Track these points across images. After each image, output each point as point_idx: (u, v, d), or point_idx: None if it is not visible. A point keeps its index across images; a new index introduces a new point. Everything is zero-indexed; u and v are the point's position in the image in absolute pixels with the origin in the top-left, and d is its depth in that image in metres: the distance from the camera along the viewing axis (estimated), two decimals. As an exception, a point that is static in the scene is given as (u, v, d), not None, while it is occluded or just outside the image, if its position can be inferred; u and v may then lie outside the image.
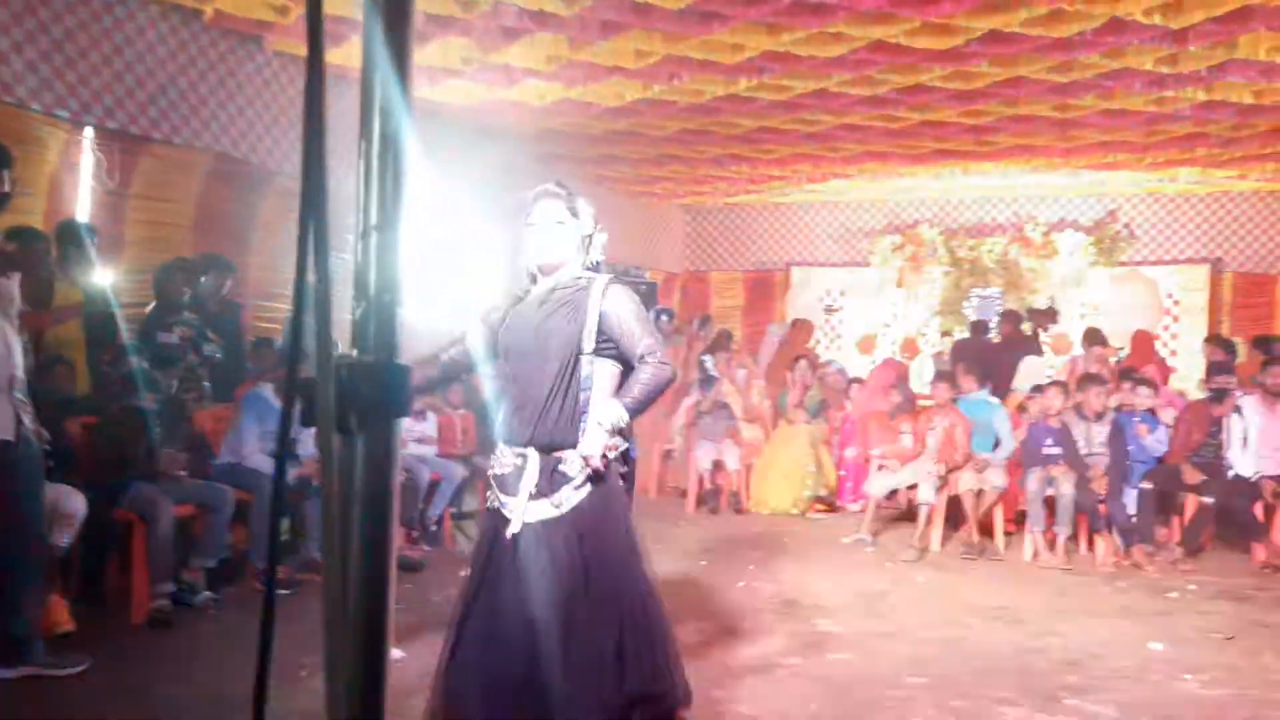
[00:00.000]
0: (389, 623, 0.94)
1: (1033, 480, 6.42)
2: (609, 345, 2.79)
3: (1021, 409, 7.29)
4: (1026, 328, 9.84)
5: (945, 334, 11.47)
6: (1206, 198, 11.16)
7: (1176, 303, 11.23)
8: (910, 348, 11.87)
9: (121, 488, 4.56)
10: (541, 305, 2.84)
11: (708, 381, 8.32)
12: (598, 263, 2.95)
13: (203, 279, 5.80)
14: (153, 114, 5.47)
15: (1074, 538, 6.47)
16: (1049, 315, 10.28)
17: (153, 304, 5.51)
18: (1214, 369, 7.20)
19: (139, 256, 5.90)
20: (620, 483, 2.85)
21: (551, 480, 2.74)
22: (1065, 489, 6.28)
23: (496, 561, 2.80)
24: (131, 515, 4.56)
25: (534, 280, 2.93)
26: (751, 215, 13.09)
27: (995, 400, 7.23)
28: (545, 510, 2.74)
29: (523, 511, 2.74)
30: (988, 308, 11.58)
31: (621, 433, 2.75)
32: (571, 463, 2.74)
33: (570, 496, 2.74)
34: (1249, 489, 6.15)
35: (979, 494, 6.62)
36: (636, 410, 2.76)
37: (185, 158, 6.02)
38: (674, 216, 12.91)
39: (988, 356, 8.67)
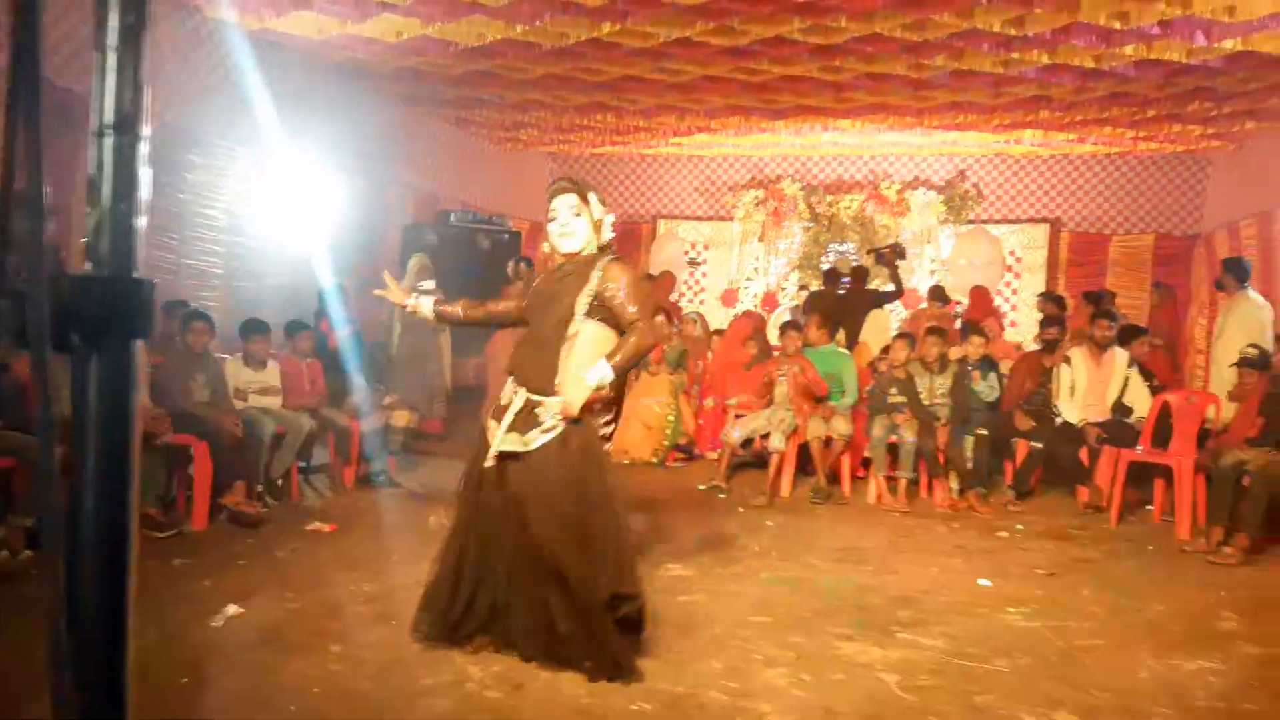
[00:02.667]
0: (130, 595, 0.78)
1: (877, 427, 6.65)
2: (601, 310, 3.36)
3: (872, 367, 7.51)
4: (878, 282, 10.13)
5: (803, 287, 11.75)
6: (1049, 160, 11.70)
7: (1018, 260, 11.79)
8: (770, 300, 12.11)
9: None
10: (556, 277, 3.48)
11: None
12: (608, 244, 3.54)
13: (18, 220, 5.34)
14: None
15: (915, 481, 6.75)
16: (896, 250, 10.58)
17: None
18: (1046, 322, 7.59)
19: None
20: (597, 435, 3.37)
21: (528, 420, 3.33)
22: (908, 436, 6.54)
23: (482, 480, 3.40)
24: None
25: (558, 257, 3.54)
26: (618, 166, 13.02)
27: (844, 351, 7.42)
28: (514, 443, 3.32)
29: (499, 440, 3.34)
30: (843, 261, 11.90)
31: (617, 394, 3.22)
32: (548, 408, 3.31)
33: (537, 438, 3.31)
34: (1075, 435, 6.52)
35: (827, 441, 6.82)
36: (621, 370, 3.34)
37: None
38: (539, 165, 12.71)
39: (839, 308, 8.90)
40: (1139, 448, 6.26)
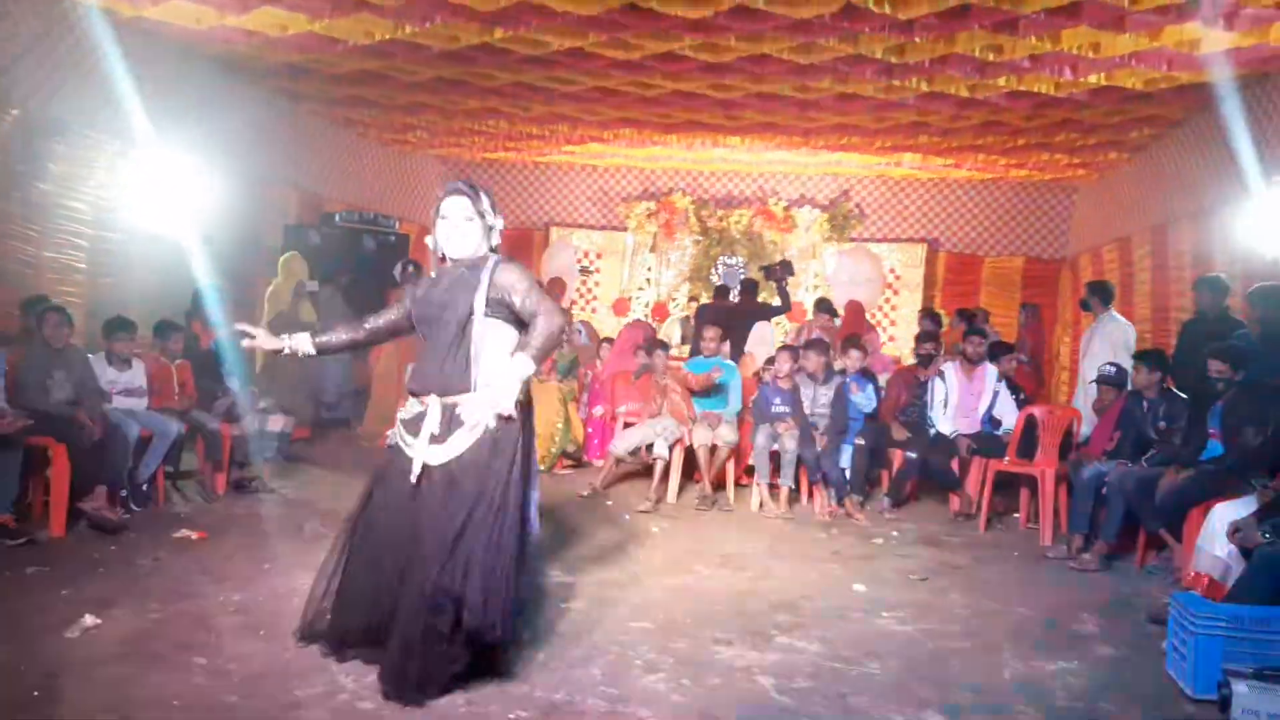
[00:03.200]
0: None
1: (760, 436, 6.77)
2: (502, 309, 3.34)
3: (758, 377, 7.65)
4: (765, 295, 10.33)
5: (693, 299, 11.89)
6: (927, 183, 12.16)
7: (898, 277, 12.21)
8: (660, 310, 12.21)
9: None
10: (446, 282, 3.42)
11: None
12: (496, 246, 3.50)
13: None
14: None
15: (796, 489, 6.89)
16: (785, 267, 10.83)
17: None
18: (922, 338, 7.86)
19: None
20: (515, 431, 3.32)
21: (450, 424, 3.28)
22: (789, 444, 6.68)
23: (393, 491, 3.36)
24: None
25: (443, 260, 3.49)
26: (511, 173, 12.95)
27: (729, 362, 7.54)
28: (438, 454, 3.27)
29: (424, 452, 3.29)
30: (733, 275, 12.12)
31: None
32: (467, 410, 3.27)
33: (463, 439, 3.26)
34: (947, 446, 6.76)
35: (712, 449, 6.91)
36: (539, 358, 3.25)
37: None
38: (429, 168, 12.52)
39: (727, 320, 9.02)
40: (1006, 458, 6.53)
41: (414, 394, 3.41)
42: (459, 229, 3.42)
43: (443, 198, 3.47)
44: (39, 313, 5.47)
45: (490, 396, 3.23)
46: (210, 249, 7.11)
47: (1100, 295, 7.74)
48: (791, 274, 10.02)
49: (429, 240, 3.51)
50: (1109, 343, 7.42)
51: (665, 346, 7.57)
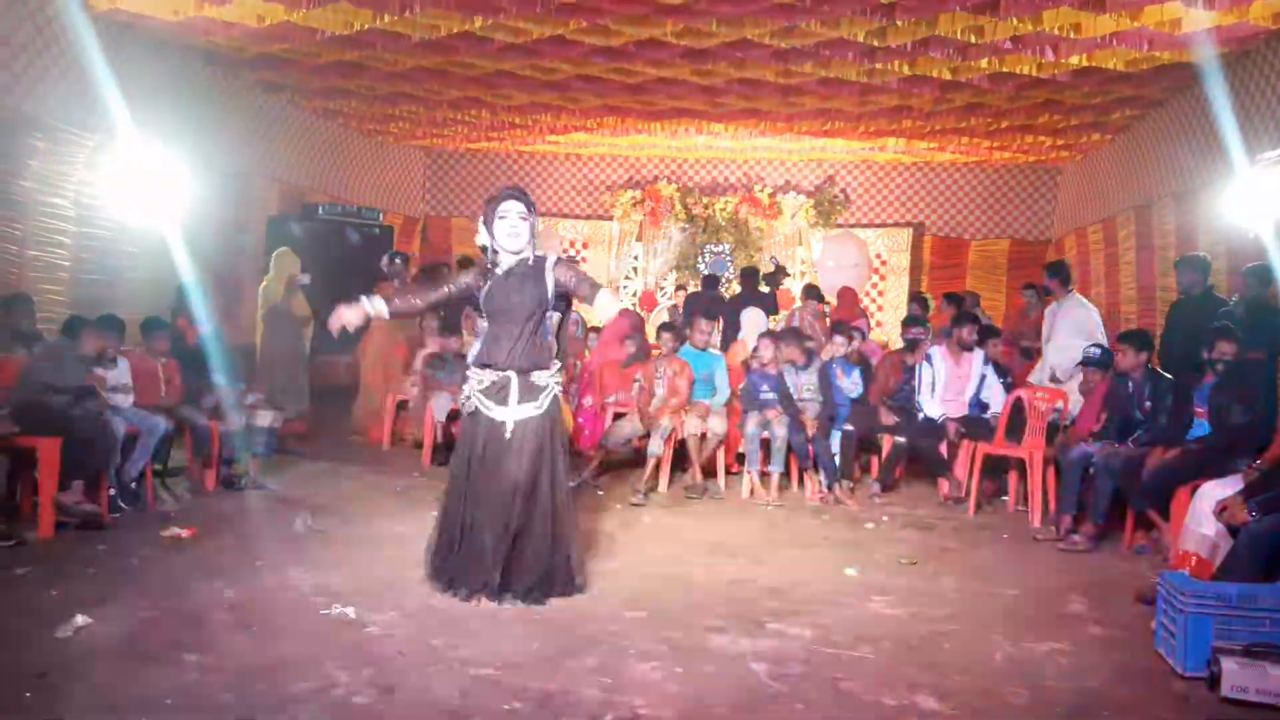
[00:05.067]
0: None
1: (750, 424, 6.78)
2: (561, 301, 4.32)
3: (745, 365, 7.66)
4: (764, 287, 10.35)
5: (680, 287, 11.89)
6: (911, 167, 12.19)
7: (884, 262, 12.25)
8: (648, 300, 12.21)
9: None
10: (510, 279, 4.25)
11: (446, 329, 8.15)
12: (537, 242, 4.37)
13: None
14: None
15: (786, 475, 6.92)
16: (779, 274, 10.88)
17: None
18: (909, 322, 7.85)
19: None
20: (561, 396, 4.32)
21: (532, 390, 4.23)
22: (779, 431, 6.69)
23: (491, 449, 4.20)
24: None
25: (494, 255, 4.30)
26: (496, 163, 12.92)
27: (718, 352, 7.55)
28: (530, 411, 4.21)
29: (514, 413, 4.20)
30: (719, 263, 12.13)
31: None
32: (540, 378, 4.24)
33: (544, 401, 4.24)
34: (936, 430, 6.79)
35: (702, 438, 6.92)
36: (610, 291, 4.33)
37: None
38: (413, 159, 12.48)
39: (717, 309, 9.05)
40: (994, 441, 6.56)
41: (488, 367, 4.25)
42: (516, 227, 4.22)
43: (501, 200, 4.25)
44: (76, 327, 5.51)
45: (600, 310, 4.30)
46: (193, 244, 7.07)
47: (1059, 277, 7.57)
48: (787, 275, 10.10)
49: (480, 239, 4.30)
50: (1071, 325, 7.32)
51: (672, 328, 7.50)
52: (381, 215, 10.62)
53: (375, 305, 4.40)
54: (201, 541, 5.04)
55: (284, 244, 8.85)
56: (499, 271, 4.26)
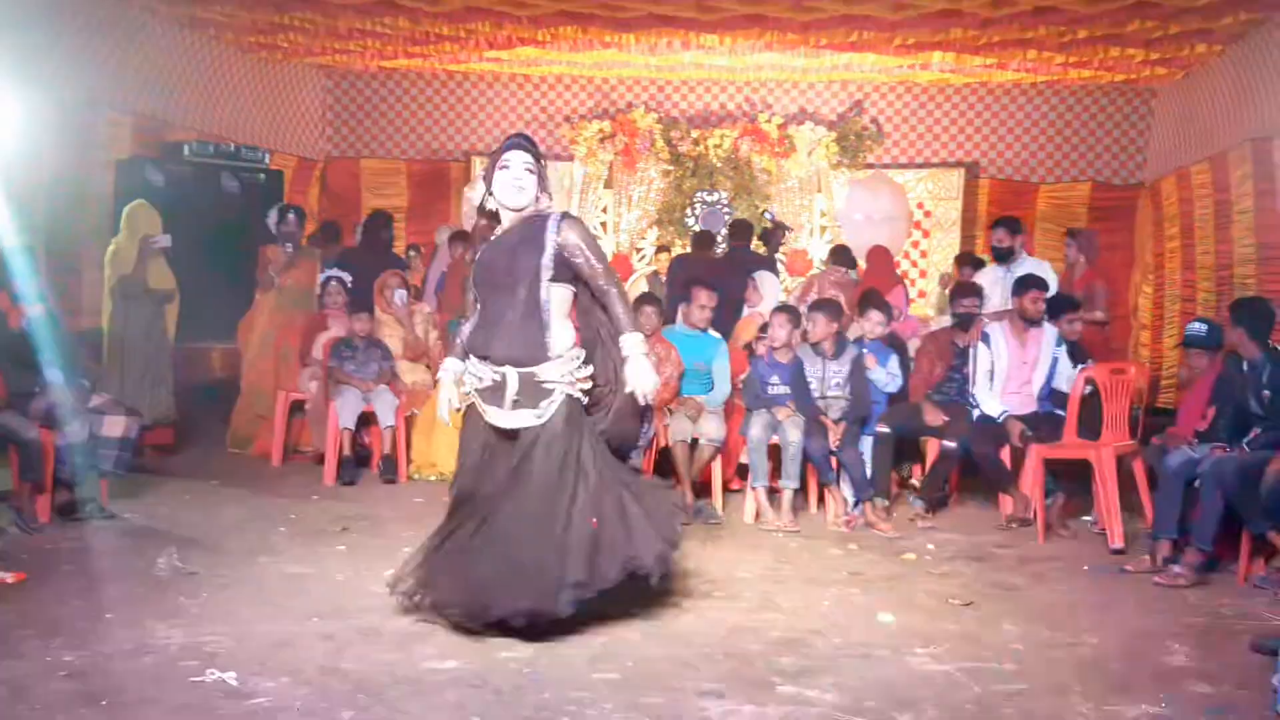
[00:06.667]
0: None
1: (755, 425, 6.79)
2: (565, 271, 4.44)
3: (749, 349, 7.68)
4: (759, 246, 10.35)
5: (663, 248, 11.87)
6: (962, 90, 12.22)
7: (928, 213, 12.28)
8: (621, 264, 12.19)
9: None
10: (507, 244, 4.51)
11: (353, 306, 8.14)
12: (551, 201, 4.64)
13: None
14: None
15: (802, 493, 6.93)
16: (778, 234, 10.86)
17: None
18: (960, 291, 7.87)
19: None
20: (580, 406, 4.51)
21: (532, 392, 4.42)
22: (792, 436, 6.71)
23: (487, 456, 4.56)
24: None
25: (495, 216, 4.67)
26: (418, 87, 12.85)
27: (715, 333, 7.54)
28: (528, 419, 4.43)
29: (509, 419, 4.46)
30: (714, 217, 12.09)
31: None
32: (546, 376, 4.42)
33: (548, 408, 4.41)
34: (996, 431, 6.81)
35: (693, 445, 6.93)
36: (639, 328, 4.63)
37: None
38: (310, 82, 12.41)
39: (713, 277, 9.00)
40: (1061, 440, 6.58)
41: (485, 360, 4.51)
42: (520, 179, 4.47)
43: (505, 149, 4.52)
44: None
45: (638, 383, 4.45)
46: (16, 198, 6.98)
47: (1007, 226, 8.28)
48: (787, 237, 10.13)
49: (471, 193, 4.62)
50: None
51: (654, 300, 7.50)
52: (268, 157, 10.55)
53: (451, 366, 4.77)
54: (32, 589, 5.01)
55: (139, 196, 8.76)
56: (497, 236, 4.61)
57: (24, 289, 6.72)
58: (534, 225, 4.48)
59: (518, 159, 4.49)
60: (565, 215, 4.54)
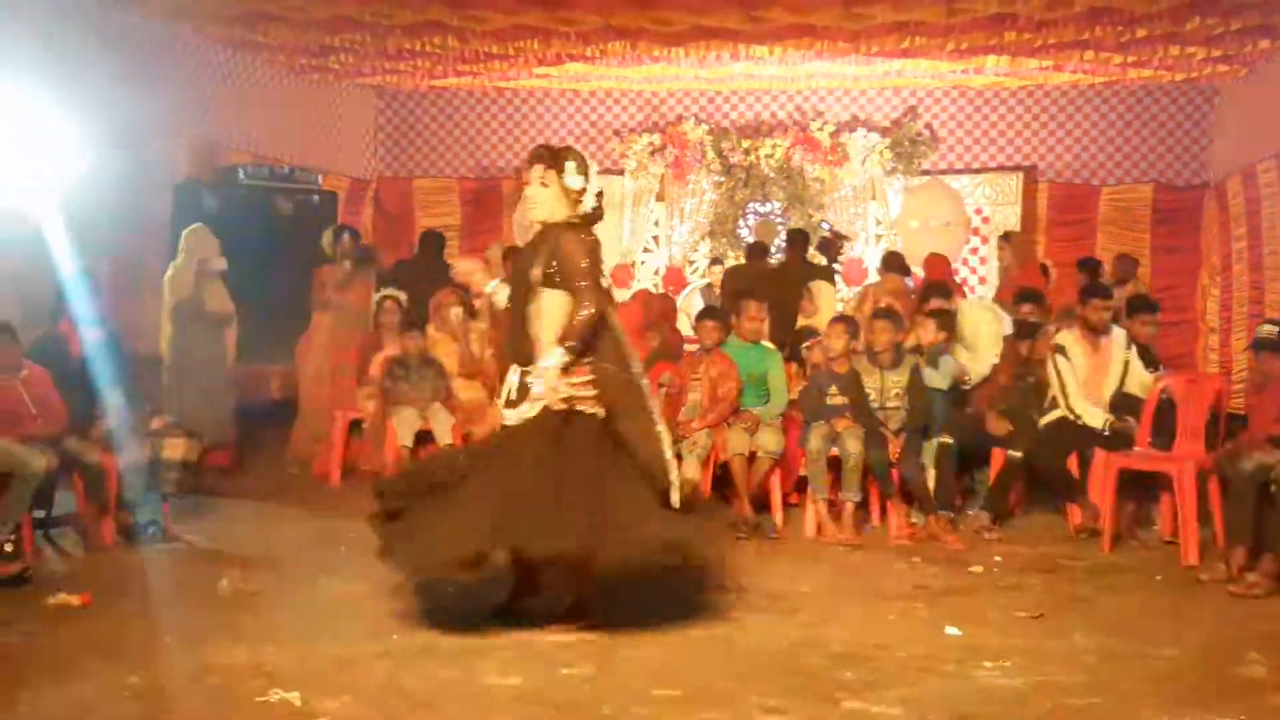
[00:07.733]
0: None
1: (814, 437, 6.77)
2: (556, 277, 4.70)
3: (803, 362, 7.67)
4: (815, 256, 10.33)
5: (716, 261, 11.85)
6: (1019, 93, 12.11)
7: (985, 220, 12.16)
8: (675, 278, 12.19)
9: None
10: (528, 251, 4.89)
11: (407, 325, 8.21)
12: (591, 210, 4.89)
13: None
14: None
15: (864, 506, 6.90)
16: (836, 244, 10.84)
17: None
18: (1021, 298, 7.81)
19: None
20: (589, 408, 4.68)
21: (525, 391, 4.73)
22: (852, 448, 6.67)
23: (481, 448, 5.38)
24: None
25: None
26: (468, 105, 12.94)
27: (770, 345, 7.54)
28: (513, 417, 4.80)
29: (510, 414, 4.83)
30: (767, 228, 12.07)
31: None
32: (535, 380, 4.68)
33: (527, 409, 4.72)
34: (1073, 438, 6.72)
35: (751, 459, 6.91)
36: (572, 348, 4.65)
37: None
38: (361, 103, 12.54)
39: (768, 288, 8.99)
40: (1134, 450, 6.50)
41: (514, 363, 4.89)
42: (532, 196, 4.80)
43: (526, 168, 4.88)
44: None
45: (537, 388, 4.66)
46: (74, 224, 7.11)
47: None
48: (844, 248, 10.11)
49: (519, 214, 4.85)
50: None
51: (717, 314, 7.60)
52: (321, 179, 10.67)
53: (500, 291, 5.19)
54: (98, 611, 5.08)
55: (196, 220, 8.90)
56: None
57: (84, 314, 6.84)
58: (551, 232, 4.78)
59: (533, 174, 4.80)
60: (574, 228, 4.78)
